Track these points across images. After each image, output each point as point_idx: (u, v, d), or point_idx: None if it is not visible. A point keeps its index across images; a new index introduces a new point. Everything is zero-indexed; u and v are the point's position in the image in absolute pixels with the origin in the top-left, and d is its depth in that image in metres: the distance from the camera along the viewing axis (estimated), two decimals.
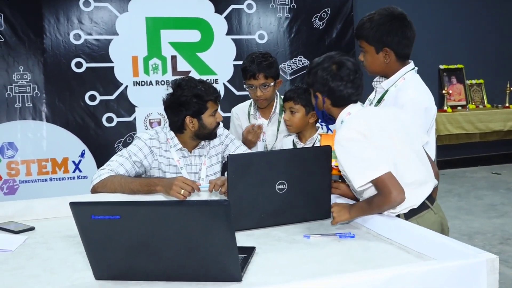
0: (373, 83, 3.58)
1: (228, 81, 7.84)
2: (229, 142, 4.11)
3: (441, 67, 10.53)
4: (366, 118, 2.96)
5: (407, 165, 2.87)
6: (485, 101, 10.74)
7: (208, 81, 3.96)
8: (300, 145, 4.11)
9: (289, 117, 4.05)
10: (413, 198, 2.88)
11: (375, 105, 3.46)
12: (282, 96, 4.49)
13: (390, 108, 3.26)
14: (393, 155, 2.84)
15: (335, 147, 2.87)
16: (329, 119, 3.18)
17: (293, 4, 8.21)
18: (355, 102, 3.06)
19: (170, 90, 3.84)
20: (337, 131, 2.98)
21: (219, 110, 3.89)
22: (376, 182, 2.76)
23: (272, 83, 4.45)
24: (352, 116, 2.99)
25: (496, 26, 10.97)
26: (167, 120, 3.88)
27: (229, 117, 4.91)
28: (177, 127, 3.86)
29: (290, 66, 8.15)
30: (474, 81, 10.74)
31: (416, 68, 3.47)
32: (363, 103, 3.24)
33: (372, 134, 2.84)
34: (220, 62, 7.86)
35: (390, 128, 2.93)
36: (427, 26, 10.07)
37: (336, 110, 3.08)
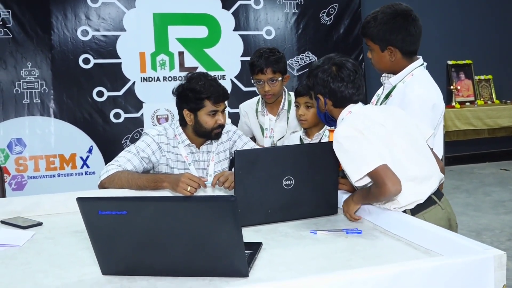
0: (381, 78, 3.57)
1: (236, 77, 7.82)
2: (237, 138, 4.12)
3: (449, 62, 10.51)
4: (365, 115, 2.99)
5: (408, 160, 2.89)
6: (494, 97, 10.72)
7: (215, 77, 3.93)
8: (307, 141, 4.11)
9: (304, 112, 4.03)
10: (418, 193, 2.90)
11: (383, 101, 3.47)
12: (291, 93, 4.53)
13: (389, 106, 3.30)
14: (392, 150, 2.87)
15: (333, 144, 2.91)
16: (331, 121, 3.22)
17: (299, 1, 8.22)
18: (356, 102, 3.10)
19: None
20: (336, 128, 3.01)
21: (226, 111, 3.87)
22: (371, 175, 2.79)
23: (280, 78, 4.46)
24: (352, 114, 3.03)
25: (505, 22, 10.93)
26: (174, 115, 3.87)
27: (236, 113, 4.92)
28: (180, 120, 3.89)
29: (298, 62, 8.14)
30: (482, 77, 10.72)
31: (425, 64, 3.47)
32: (367, 101, 3.25)
33: (369, 131, 2.87)
34: (228, 58, 7.84)
35: (388, 125, 2.95)
36: (435, 21, 10.05)
37: (337, 111, 3.12)
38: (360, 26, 3.68)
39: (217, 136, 3.92)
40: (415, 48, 3.42)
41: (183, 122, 3.87)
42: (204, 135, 3.88)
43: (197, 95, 3.74)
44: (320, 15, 8.26)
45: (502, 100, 10.69)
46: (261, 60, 4.41)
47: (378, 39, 3.37)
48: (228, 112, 3.96)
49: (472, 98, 10.55)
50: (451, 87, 10.23)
